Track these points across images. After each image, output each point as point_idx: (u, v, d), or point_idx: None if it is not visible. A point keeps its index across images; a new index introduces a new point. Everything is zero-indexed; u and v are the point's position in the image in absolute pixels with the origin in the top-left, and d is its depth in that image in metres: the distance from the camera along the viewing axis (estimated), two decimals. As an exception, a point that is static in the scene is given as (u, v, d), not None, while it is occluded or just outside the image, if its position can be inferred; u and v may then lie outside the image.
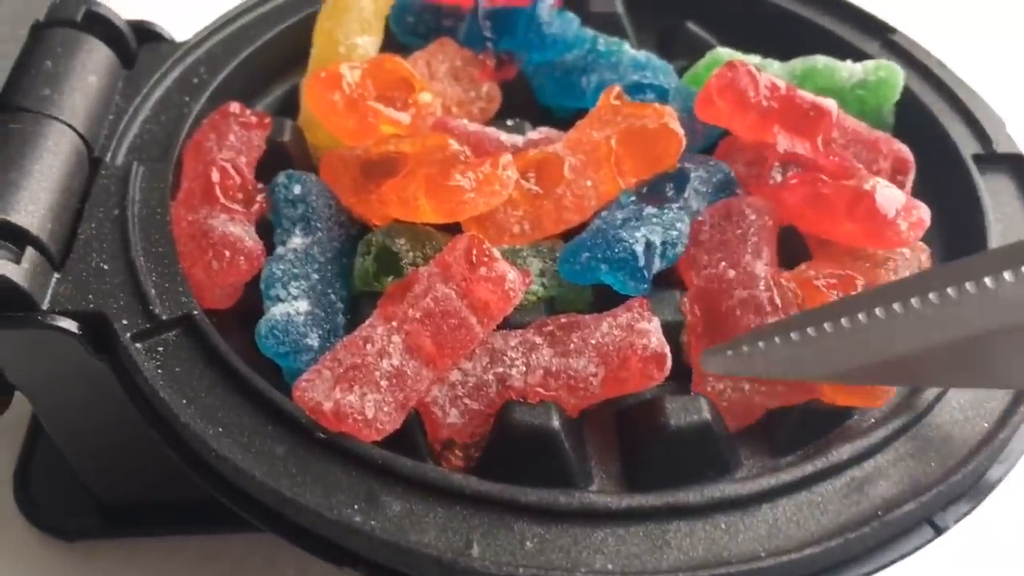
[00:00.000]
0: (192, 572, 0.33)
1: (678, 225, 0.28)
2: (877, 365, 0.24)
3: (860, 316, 0.24)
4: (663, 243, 0.28)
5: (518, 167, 0.29)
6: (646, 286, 0.27)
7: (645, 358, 0.26)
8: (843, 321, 0.24)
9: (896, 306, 0.24)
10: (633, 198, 0.29)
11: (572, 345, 0.26)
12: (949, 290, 0.23)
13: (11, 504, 0.34)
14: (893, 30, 0.36)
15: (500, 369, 0.26)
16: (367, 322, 0.26)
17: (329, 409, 0.25)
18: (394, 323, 0.26)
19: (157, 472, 0.31)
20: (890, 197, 0.29)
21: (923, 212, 0.29)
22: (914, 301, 0.24)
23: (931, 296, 0.23)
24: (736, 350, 0.26)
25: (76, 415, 0.29)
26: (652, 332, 0.27)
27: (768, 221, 0.29)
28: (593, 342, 0.26)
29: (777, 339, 0.25)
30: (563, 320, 0.27)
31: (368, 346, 0.26)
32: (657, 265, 0.28)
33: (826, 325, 0.25)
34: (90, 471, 0.32)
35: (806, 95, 0.31)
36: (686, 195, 0.29)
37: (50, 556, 0.33)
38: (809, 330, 0.25)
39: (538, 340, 0.27)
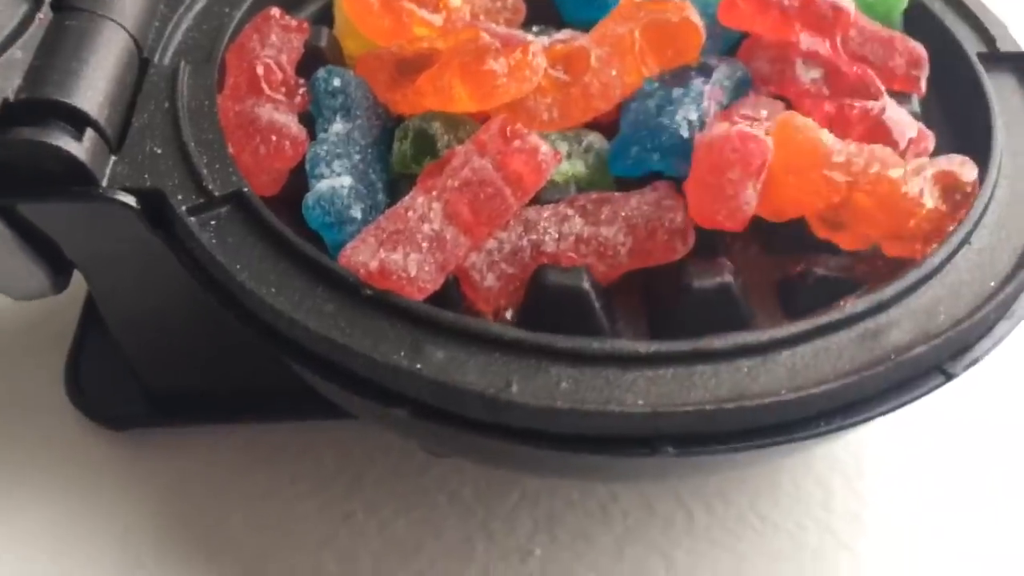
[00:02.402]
0: (236, 458, 0.35)
1: (705, 99, 0.30)
2: None
3: None
4: (699, 118, 0.29)
5: (548, 60, 0.31)
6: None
7: (671, 231, 0.28)
8: None
9: None
10: (657, 84, 0.31)
11: (603, 216, 0.28)
12: None
13: (62, 395, 0.36)
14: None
15: (534, 236, 0.28)
16: (408, 195, 0.28)
17: (375, 268, 0.26)
18: (434, 193, 0.27)
19: (204, 354, 0.33)
20: (903, 126, 0.30)
21: (929, 143, 0.31)
22: None
23: None
24: None
25: (130, 292, 0.31)
26: (679, 208, 0.28)
27: None
28: (623, 214, 0.28)
29: None
30: (594, 196, 0.29)
31: (409, 213, 0.27)
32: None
33: None
34: (140, 355, 0.33)
35: None
36: (711, 81, 0.30)
37: (100, 445, 0.35)
38: None
39: (570, 212, 0.28)
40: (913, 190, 0.27)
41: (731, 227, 0.28)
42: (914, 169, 0.28)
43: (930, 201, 0.28)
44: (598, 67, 0.30)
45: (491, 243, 0.28)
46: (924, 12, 0.35)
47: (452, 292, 0.28)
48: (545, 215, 0.28)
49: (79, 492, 0.34)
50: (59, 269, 0.30)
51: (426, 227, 0.27)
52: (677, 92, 0.30)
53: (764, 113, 0.30)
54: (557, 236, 0.28)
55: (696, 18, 0.31)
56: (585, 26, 0.36)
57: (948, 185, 0.28)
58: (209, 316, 0.29)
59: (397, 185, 0.31)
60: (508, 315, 0.28)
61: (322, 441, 0.35)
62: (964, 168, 0.28)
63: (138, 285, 0.31)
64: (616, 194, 0.29)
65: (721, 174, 0.27)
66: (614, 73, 0.30)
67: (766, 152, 0.27)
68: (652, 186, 0.29)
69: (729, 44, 0.35)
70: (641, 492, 0.33)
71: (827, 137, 0.28)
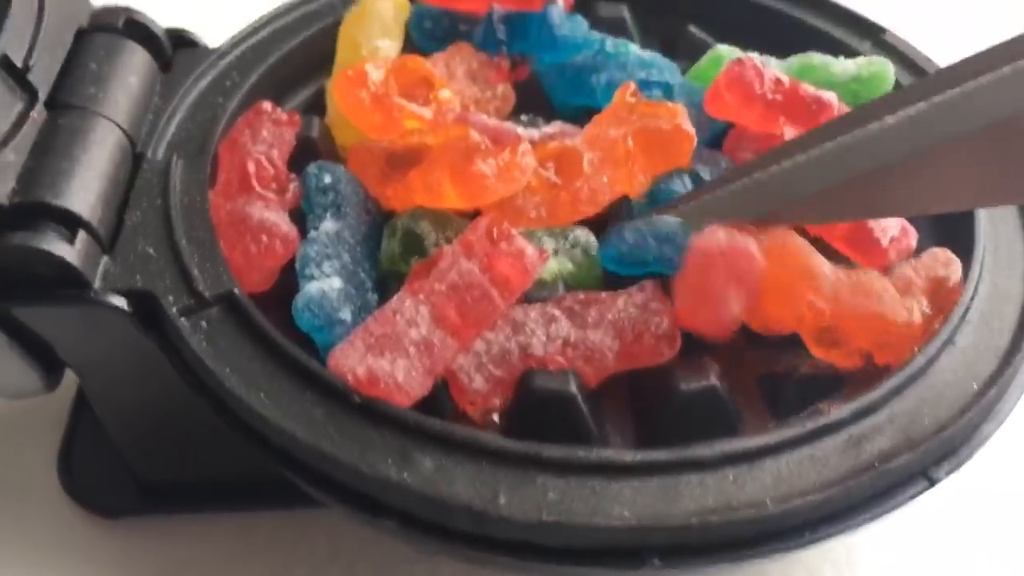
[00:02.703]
0: (227, 546, 0.35)
1: None
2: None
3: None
4: None
5: (538, 157, 0.31)
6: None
7: (658, 336, 0.28)
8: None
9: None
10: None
11: (590, 319, 0.28)
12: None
13: (55, 483, 0.36)
14: (883, 30, 0.38)
15: (522, 338, 0.28)
16: (395, 297, 0.28)
17: (363, 374, 0.26)
18: (421, 296, 0.28)
19: (196, 448, 0.33)
20: (885, 225, 0.30)
21: (911, 240, 0.31)
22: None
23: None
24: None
25: (122, 390, 0.31)
26: (665, 312, 0.29)
27: None
28: (610, 317, 0.28)
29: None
30: (581, 296, 0.29)
31: (397, 317, 0.27)
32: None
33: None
34: (133, 448, 0.33)
35: (808, 88, 0.33)
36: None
37: (92, 533, 0.35)
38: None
39: (557, 313, 0.28)
40: (902, 316, 0.28)
41: (715, 334, 0.28)
42: (903, 286, 0.28)
43: (918, 315, 0.28)
44: (591, 172, 0.31)
45: (479, 345, 0.28)
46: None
47: (440, 394, 0.28)
48: (532, 316, 0.29)
49: (70, 580, 0.34)
50: (52, 368, 0.30)
51: (413, 331, 0.27)
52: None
53: None
54: (545, 338, 0.28)
55: (688, 126, 0.32)
56: (573, 112, 0.37)
57: (935, 290, 0.28)
58: (201, 412, 0.29)
59: (386, 281, 0.31)
60: (496, 418, 0.28)
61: (315, 529, 0.35)
62: (950, 269, 0.29)
63: (130, 383, 0.31)
64: (603, 294, 0.29)
65: (707, 279, 0.28)
66: (605, 180, 0.31)
67: (753, 264, 0.28)
68: (639, 286, 0.29)
69: (715, 133, 0.35)
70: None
71: (818, 262, 0.29)
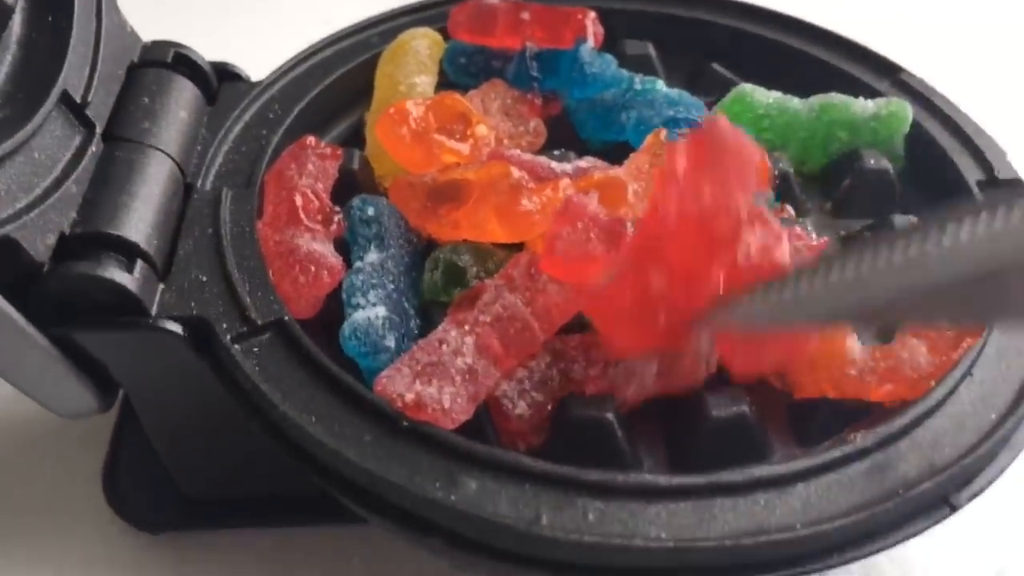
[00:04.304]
0: (266, 562, 0.36)
1: None
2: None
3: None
4: None
5: (581, 186, 0.33)
6: None
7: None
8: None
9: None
10: None
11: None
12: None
13: (100, 498, 0.37)
14: (901, 69, 0.40)
15: (562, 365, 0.29)
16: (440, 327, 0.30)
17: (411, 400, 0.28)
18: (466, 327, 0.29)
19: (240, 466, 0.34)
20: None
21: None
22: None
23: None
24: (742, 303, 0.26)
25: (173, 410, 0.32)
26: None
27: None
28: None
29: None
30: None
31: (443, 346, 0.29)
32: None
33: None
34: (180, 465, 0.35)
35: None
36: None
37: (135, 547, 0.36)
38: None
39: (597, 339, 0.30)
40: (928, 382, 0.29)
41: (746, 375, 0.29)
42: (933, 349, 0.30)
43: (937, 359, 0.29)
44: (634, 202, 0.32)
45: (521, 372, 0.29)
46: (926, 137, 0.37)
47: (481, 419, 0.29)
48: (573, 344, 0.30)
49: (113, 595, 0.35)
50: (106, 389, 0.32)
51: (459, 361, 0.28)
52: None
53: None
54: (585, 364, 0.29)
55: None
56: (602, 147, 0.38)
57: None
58: (247, 431, 0.31)
59: (428, 310, 0.32)
60: (536, 441, 0.29)
61: (351, 544, 0.36)
62: None
63: (181, 403, 0.32)
64: None
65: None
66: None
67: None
68: None
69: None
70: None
71: (853, 346, 0.30)
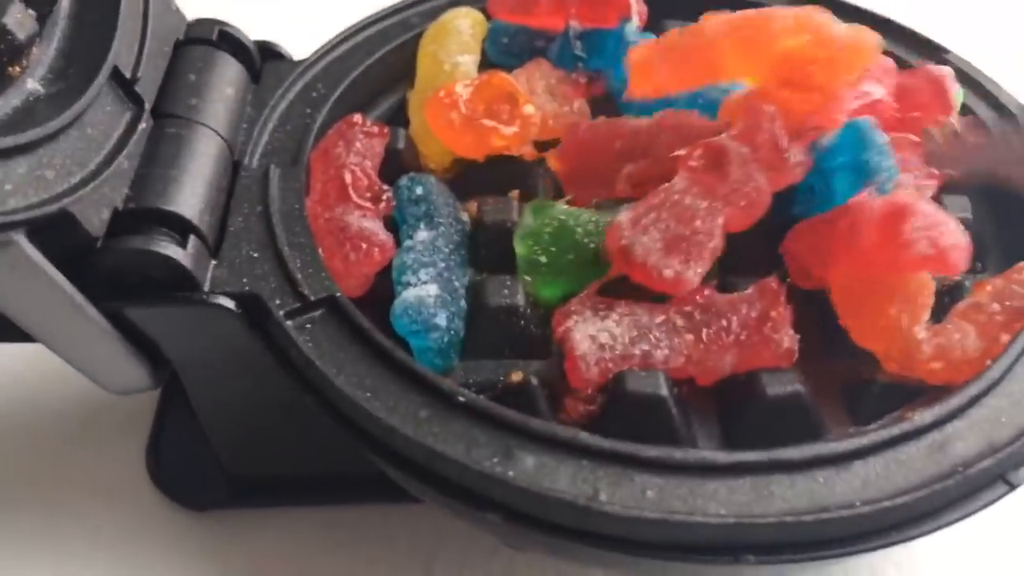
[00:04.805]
0: (311, 539, 0.36)
1: None
2: None
3: None
4: None
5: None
6: None
7: (778, 355, 0.29)
8: None
9: None
10: None
11: (712, 331, 0.29)
12: None
13: (144, 480, 0.37)
14: (947, 51, 0.40)
15: (646, 347, 0.29)
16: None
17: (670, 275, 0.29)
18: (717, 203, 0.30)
19: (288, 443, 0.34)
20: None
21: None
22: None
23: None
24: None
25: (222, 386, 0.33)
26: (784, 325, 0.30)
27: None
28: (731, 339, 0.29)
29: None
30: (701, 301, 0.30)
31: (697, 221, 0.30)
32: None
33: None
34: (227, 442, 0.35)
35: None
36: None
37: (180, 525, 0.37)
38: None
39: (680, 322, 0.30)
40: (974, 367, 0.29)
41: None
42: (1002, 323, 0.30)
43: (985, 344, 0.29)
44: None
45: (605, 337, 0.29)
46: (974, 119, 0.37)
47: (535, 398, 0.29)
48: (657, 321, 0.30)
49: (157, 572, 0.35)
50: (158, 365, 0.32)
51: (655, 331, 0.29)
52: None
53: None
54: (668, 353, 0.29)
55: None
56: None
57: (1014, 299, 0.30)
58: (297, 408, 0.31)
59: (476, 288, 0.32)
60: (590, 409, 0.29)
61: (395, 523, 0.36)
62: None
63: (231, 379, 0.32)
64: (722, 301, 0.30)
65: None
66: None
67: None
68: (759, 287, 0.30)
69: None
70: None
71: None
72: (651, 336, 0.29)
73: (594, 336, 0.29)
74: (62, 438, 0.39)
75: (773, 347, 0.29)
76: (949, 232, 0.29)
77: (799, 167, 0.31)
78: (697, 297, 0.30)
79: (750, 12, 0.34)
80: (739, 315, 0.30)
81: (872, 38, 0.32)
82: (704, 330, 0.29)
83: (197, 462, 0.37)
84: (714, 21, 0.34)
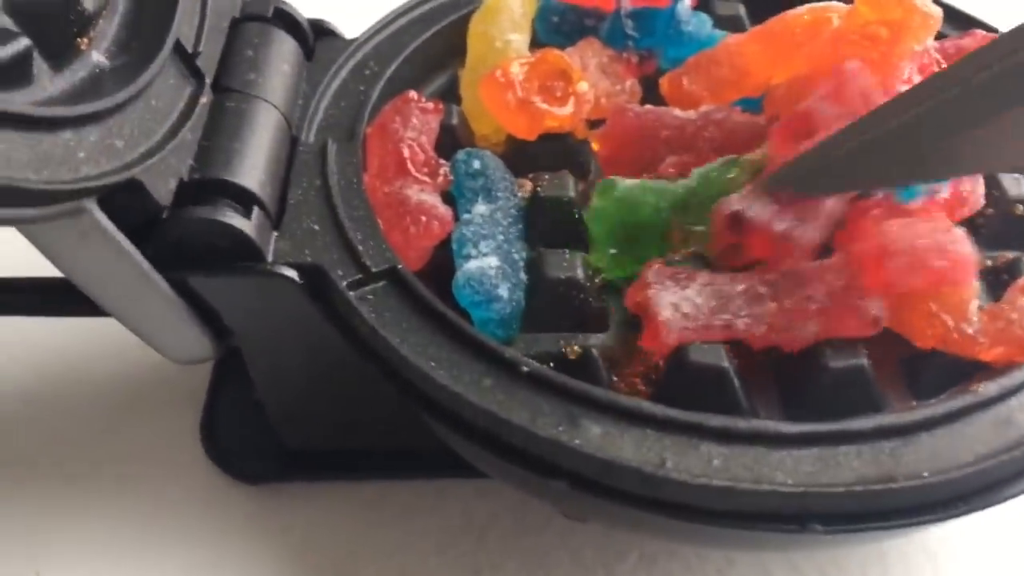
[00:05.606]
0: (364, 513, 0.36)
1: None
2: None
3: None
4: None
5: None
6: None
7: (864, 324, 0.29)
8: None
9: None
10: None
11: (796, 299, 0.29)
12: None
13: (199, 453, 0.38)
14: (980, 23, 0.39)
15: (727, 316, 0.29)
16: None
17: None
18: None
19: (345, 416, 0.35)
20: None
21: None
22: None
23: None
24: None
25: (282, 357, 0.33)
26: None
27: None
28: (815, 307, 0.29)
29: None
30: (785, 269, 0.30)
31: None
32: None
33: None
34: (284, 414, 0.35)
35: None
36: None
37: (235, 498, 0.37)
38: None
39: (762, 290, 0.29)
40: None
41: None
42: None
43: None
44: None
45: (688, 307, 0.29)
46: None
47: (596, 368, 0.30)
48: (739, 289, 0.30)
49: (212, 544, 0.36)
50: (220, 335, 0.32)
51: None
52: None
53: None
54: (750, 322, 0.29)
55: None
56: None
57: None
58: (355, 380, 0.31)
59: (534, 263, 0.32)
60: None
61: (448, 500, 0.36)
62: None
63: (291, 350, 0.32)
64: (808, 267, 0.30)
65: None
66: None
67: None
68: (846, 254, 0.30)
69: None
70: (758, 558, 0.35)
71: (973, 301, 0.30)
72: (732, 307, 0.29)
73: (676, 304, 0.29)
74: (116, 414, 0.39)
75: (860, 314, 0.29)
76: (936, 252, 0.28)
77: None
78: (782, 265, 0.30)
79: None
80: (825, 282, 0.29)
81: (937, 9, 0.32)
82: (786, 299, 0.29)
83: (250, 436, 0.37)
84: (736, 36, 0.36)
